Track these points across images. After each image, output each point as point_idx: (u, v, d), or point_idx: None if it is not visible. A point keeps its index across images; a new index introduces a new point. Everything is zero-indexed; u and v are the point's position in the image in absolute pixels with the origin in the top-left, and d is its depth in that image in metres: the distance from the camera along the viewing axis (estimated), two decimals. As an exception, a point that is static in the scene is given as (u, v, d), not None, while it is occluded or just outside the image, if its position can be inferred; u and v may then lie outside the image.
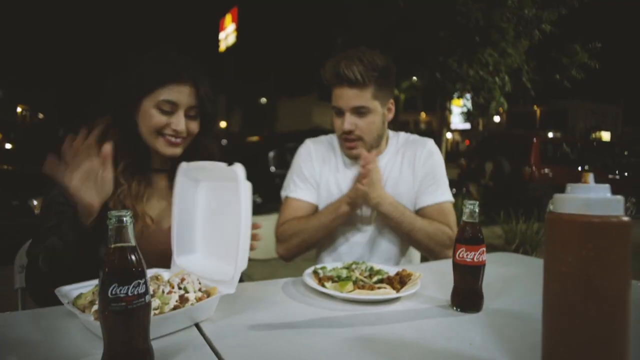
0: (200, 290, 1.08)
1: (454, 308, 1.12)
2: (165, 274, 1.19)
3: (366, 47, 1.70)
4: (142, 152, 1.43)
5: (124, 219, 0.75)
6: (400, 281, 1.27)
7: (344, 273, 1.30)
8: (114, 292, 0.72)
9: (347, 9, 8.47)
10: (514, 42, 6.47)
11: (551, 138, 11.48)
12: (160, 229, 1.44)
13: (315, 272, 1.32)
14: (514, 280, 1.40)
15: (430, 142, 1.84)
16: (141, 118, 1.38)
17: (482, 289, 1.11)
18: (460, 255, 1.09)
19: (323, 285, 1.22)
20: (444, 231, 1.67)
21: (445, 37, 6.50)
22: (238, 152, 8.45)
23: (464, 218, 1.11)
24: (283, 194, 1.87)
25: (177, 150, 1.42)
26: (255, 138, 10.90)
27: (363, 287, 1.21)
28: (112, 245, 0.74)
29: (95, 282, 1.05)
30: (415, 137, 1.89)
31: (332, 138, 1.91)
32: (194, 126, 1.43)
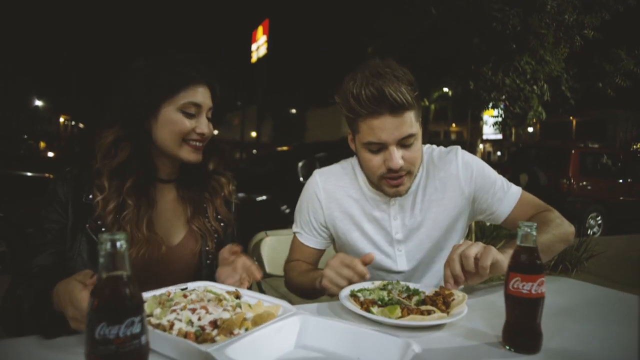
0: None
1: (507, 347, 0.96)
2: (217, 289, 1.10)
3: (391, 59, 1.40)
4: (150, 166, 1.34)
5: (118, 243, 0.64)
6: (444, 302, 1.14)
7: (385, 295, 1.17)
8: (102, 333, 0.60)
9: (377, 18, 8.35)
10: (553, 49, 6.17)
11: (590, 149, 10.99)
12: (171, 247, 1.34)
13: (353, 296, 1.19)
14: (573, 313, 1.22)
15: (459, 151, 1.57)
16: (161, 126, 1.29)
17: (541, 325, 0.95)
18: (515, 286, 0.93)
19: (368, 310, 1.10)
20: (552, 219, 1.43)
21: (479, 44, 6.27)
22: (268, 162, 8.41)
23: (519, 242, 0.96)
24: (293, 228, 1.70)
25: (200, 156, 1.36)
26: (284, 148, 10.86)
27: (409, 311, 1.09)
28: (104, 275, 0.63)
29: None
30: (440, 150, 1.61)
31: (345, 166, 1.65)
32: (211, 128, 1.38)
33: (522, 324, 0.95)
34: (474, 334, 1.04)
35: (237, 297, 1.08)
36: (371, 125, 1.34)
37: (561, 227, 1.42)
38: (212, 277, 1.32)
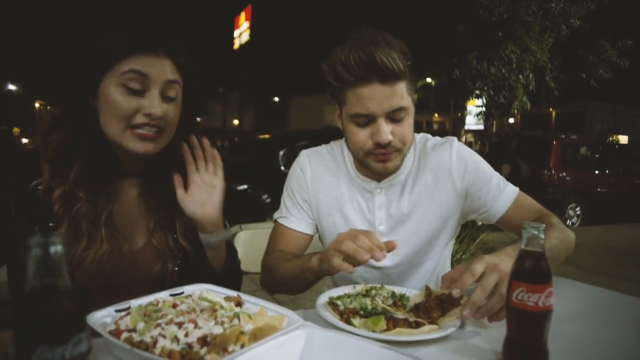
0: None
1: (509, 367, 0.83)
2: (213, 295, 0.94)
3: (375, 29, 1.27)
4: (104, 151, 1.11)
5: (52, 247, 0.53)
6: (440, 305, 1.02)
7: (368, 303, 1.03)
8: (42, 358, 0.51)
9: (362, 6, 8.17)
10: (538, 38, 6.11)
11: (571, 140, 11.07)
12: (134, 249, 1.16)
13: (331, 304, 1.04)
14: (578, 321, 1.09)
15: (454, 143, 1.45)
16: (103, 104, 1.05)
17: (547, 343, 0.82)
18: (519, 297, 0.80)
19: (349, 322, 0.96)
20: (554, 223, 1.29)
21: (465, 32, 6.16)
22: (249, 150, 8.22)
23: (523, 245, 0.83)
24: (274, 216, 1.55)
25: (151, 147, 1.08)
26: (266, 136, 10.66)
27: (395, 323, 0.96)
28: (35, 286, 0.53)
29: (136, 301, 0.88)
30: (434, 141, 1.48)
31: (334, 148, 1.54)
32: (173, 111, 1.10)
33: (526, 341, 0.82)
34: (470, 350, 0.92)
35: (238, 304, 0.93)
36: (359, 94, 1.23)
37: (565, 234, 1.29)
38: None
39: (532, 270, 0.81)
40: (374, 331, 0.93)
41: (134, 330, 0.77)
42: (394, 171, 1.36)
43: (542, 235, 0.81)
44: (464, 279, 0.98)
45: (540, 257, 0.81)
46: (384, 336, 0.90)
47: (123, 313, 0.83)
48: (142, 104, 1.05)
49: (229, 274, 1.23)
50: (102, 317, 0.83)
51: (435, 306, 1.03)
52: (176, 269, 1.18)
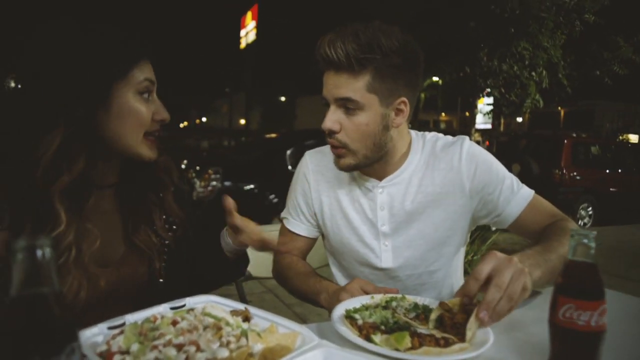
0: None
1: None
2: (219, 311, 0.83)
3: (380, 22, 1.24)
4: (94, 164, 1.04)
5: (39, 251, 0.50)
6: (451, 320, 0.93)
7: (390, 317, 0.94)
8: None
9: (369, 3, 8.06)
10: (551, 35, 5.97)
11: (583, 139, 10.88)
12: (116, 259, 1.07)
13: (349, 317, 0.95)
14: (624, 335, 0.98)
15: (465, 142, 1.36)
16: (116, 117, 0.99)
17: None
18: (567, 315, 0.70)
19: (369, 339, 0.87)
20: (571, 229, 1.19)
21: (476, 28, 6.04)
22: (255, 150, 8.16)
23: (570, 255, 0.72)
24: (281, 214, 1.55)
25: (157, 152, 1.08)
26: (273, 135, 10.60)
27: (423, 339, 0.86)
28: (22, 294, 0.50)
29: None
30: (445, 140, 1.41)
31: None
32: None
33: (576, 364, 0.72)
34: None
35: (246, 318, 0.83)
36: (324, 79, 1.28)
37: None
38: (171, 297, 1.03)
39: (583, 284, 0.70)
40: (397, 349, 0.83)
41: (127, 352, 0.67)
42: (345, 169, 1.32)
43: (593, 244, 0.71)
44: (469, 286, 0.93)
45: (591, 269, 0.71)
46: (410, 356, 0.80)
47: (116, 331, 0.74)
48: (155, 111, 1.03)
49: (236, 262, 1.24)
50: (93, 336, 0.74)
51: (462, 319, 0.93)
52: (163, 264, 1.12)
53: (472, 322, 0.88)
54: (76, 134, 0.96)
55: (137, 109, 1.00)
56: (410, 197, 1.34)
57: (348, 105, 1.22)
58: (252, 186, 6.28)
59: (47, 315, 0.51)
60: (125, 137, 1.01)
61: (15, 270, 0.50)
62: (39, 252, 0.50)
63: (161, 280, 1.11)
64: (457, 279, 1.47)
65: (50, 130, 0.94)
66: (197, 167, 6.38)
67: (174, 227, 1.16)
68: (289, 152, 6.56)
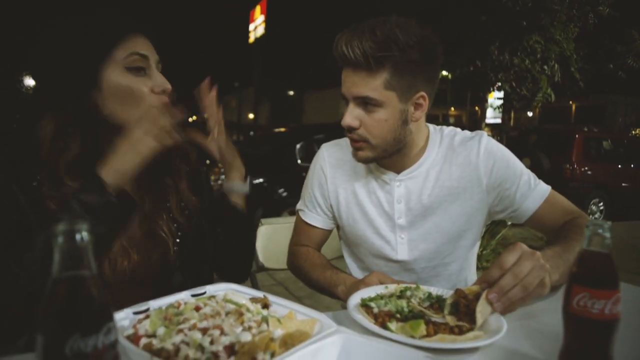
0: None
1: (569, 380, 0.75)
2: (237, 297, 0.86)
3: (398, 16, 1.23)
4: (100, 146, 1.02)
5: (78, 234, 0.52)
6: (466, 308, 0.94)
7: (405, 306, 0.96)
8: (75, 347, 0.50)
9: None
10: (564, 28, 5.89)
11: (594, 133, 10.76)
12: (132, 244, 1.08)
13: (364, 306, 0.97)
14: (639, 327, 0.99)
15: (483, 137, 1.37)
16: (108, 96, 1.00)
17: (613, 355, 0.73)
18: (581, 304, 0.71)
19: (384, 326, 0.89)
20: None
21: (487, 21, 5.98)
22: (264, 144, 8.16)
23: (585, 246, 0.74)
24: (297, 206, 1.57)
25: None
26: (282, 129, 10.61)
27: (437, 327, 0.89)
28: (63, 276, 0.52)
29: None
30: (463, 135, 1.41)
31: None
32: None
33: (590, 353, 0.73)
34: (518, 359, 0.83)
35: (265, 305, 0.86)
36: (342, 76, 1.28)
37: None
38: (187, 283, 1.04)
39: (597, 273, 0.71)
40: (412, 337, 0.85)
41: (153, 335, 0.70)
42: (363, 161, 1.34)
43: (608, 234, 0.72)
44: (491, 273, 0.95)
45: (606, 258, 0.72)
46: (425, 343, 0.82)
47: (142, 316, 0.76)
48: (154, 84, 1.02)
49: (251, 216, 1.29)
50: (120, 320, 0.76)
51: (474, 302, 0.94)
52: (175, 248, 1.12)
53: (482, 304, 0.90)
54: (76, 116, 0.99)
55: (127, 86, 1.00)
56: (428, 191, 1.36)
57: (367, 103, 1.23)
58: (261, 180, 6.30)
59: (87, 295, 0.53)
60: (127, 113, 1.01)
61: (56, 252, 0.52)
62: (77, 236, 0.53)
63: (178, 264, 1.12)
64: (471, 272, 1.49)
65: (50, 112, 0.99)
66: (207, 162, 6.42)
67: (187, 212, 1.17)
68: (298, 146, 6.56)
